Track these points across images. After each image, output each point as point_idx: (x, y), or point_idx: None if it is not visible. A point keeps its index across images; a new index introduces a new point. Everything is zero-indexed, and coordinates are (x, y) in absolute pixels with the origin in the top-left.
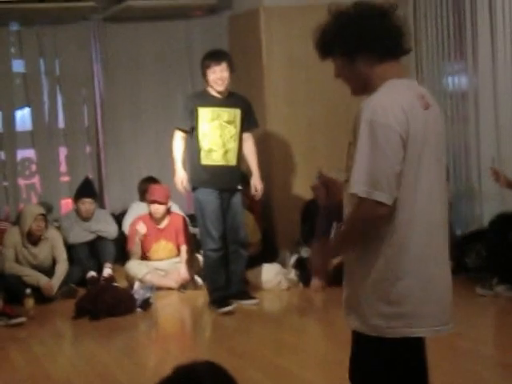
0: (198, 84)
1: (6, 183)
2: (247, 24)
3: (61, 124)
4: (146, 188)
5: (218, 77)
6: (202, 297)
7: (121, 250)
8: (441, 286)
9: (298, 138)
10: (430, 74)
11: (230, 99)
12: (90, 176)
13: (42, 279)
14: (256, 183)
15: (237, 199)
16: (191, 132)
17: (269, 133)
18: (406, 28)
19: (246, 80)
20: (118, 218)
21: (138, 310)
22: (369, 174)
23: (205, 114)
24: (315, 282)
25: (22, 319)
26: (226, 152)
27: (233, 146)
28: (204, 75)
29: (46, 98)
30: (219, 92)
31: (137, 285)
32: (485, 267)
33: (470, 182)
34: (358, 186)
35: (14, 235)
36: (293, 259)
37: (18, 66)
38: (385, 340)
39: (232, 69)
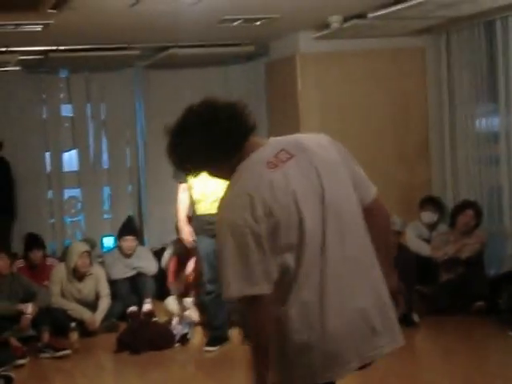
0: None
1: (53, 220)
2: (284, 70)
3: (105, 165)
4: None
5: None
6: (237, 332)
7: (160, 285)
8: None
9: None
10: (463, 115)
11: None
12: (131, 214)
13: (85, 313)
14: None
15: None
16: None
17: None
18: (241, 109)
19: (283, 123)
20: (157, 255)
21: (177, 344)
22: (237, 274)
23: None
24: None
25: (67, 351)
26: (214, 201)
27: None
28: None
29: (91, 140)
30: None
31: (175, 320)
32: None
33: (503, 222)
34: (231, 289)
35: (60, 271)
36: None
37: (66, 110)
38: None
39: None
